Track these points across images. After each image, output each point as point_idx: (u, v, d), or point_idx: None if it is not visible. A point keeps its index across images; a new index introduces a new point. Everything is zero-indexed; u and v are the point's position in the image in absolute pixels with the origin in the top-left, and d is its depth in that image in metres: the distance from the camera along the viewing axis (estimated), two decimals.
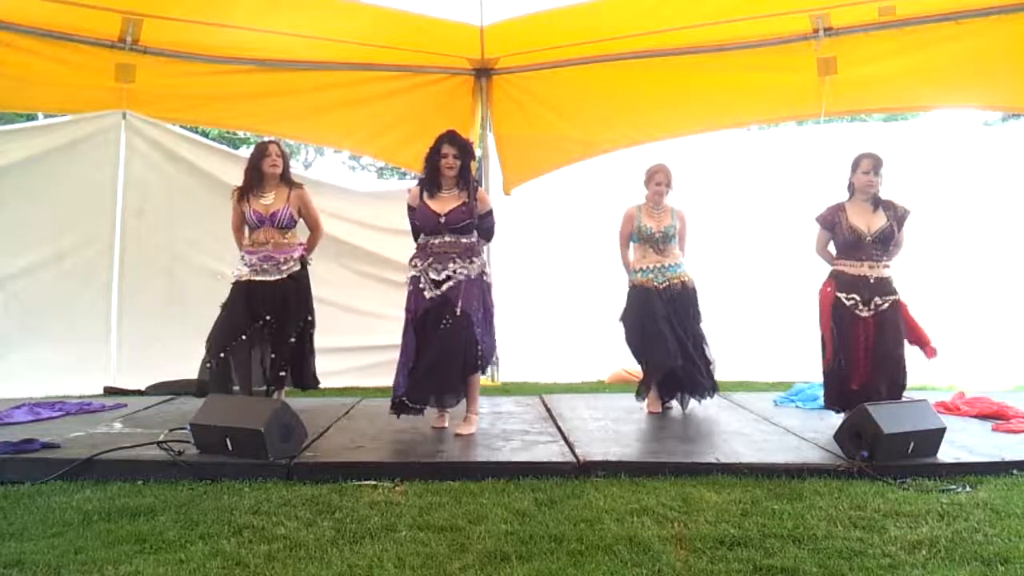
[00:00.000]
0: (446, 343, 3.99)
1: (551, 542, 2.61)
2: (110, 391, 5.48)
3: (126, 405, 4.84)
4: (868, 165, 4.12)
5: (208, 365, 4.43)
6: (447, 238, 4.07)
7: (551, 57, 5.90)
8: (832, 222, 4.20)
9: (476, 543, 2.60)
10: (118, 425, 4.21)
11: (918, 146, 6.05)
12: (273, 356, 4.54)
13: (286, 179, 4.58)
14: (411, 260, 4.17)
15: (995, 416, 4.38)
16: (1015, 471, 3.40)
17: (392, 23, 5.40)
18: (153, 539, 2.64)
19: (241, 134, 11.37)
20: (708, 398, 4.71)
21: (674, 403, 4.77)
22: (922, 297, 5.60)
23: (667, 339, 4.53)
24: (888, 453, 3.41)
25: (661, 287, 4.64)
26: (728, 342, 5.56)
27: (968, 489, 3.18)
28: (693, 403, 4.76)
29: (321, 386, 5.74)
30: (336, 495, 3.11)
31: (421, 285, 4.08)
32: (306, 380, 4.68)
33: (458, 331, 3.98)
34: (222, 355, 4.39)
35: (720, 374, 5.25)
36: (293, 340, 4.54)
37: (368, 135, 6.28)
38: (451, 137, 4.11)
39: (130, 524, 2.78)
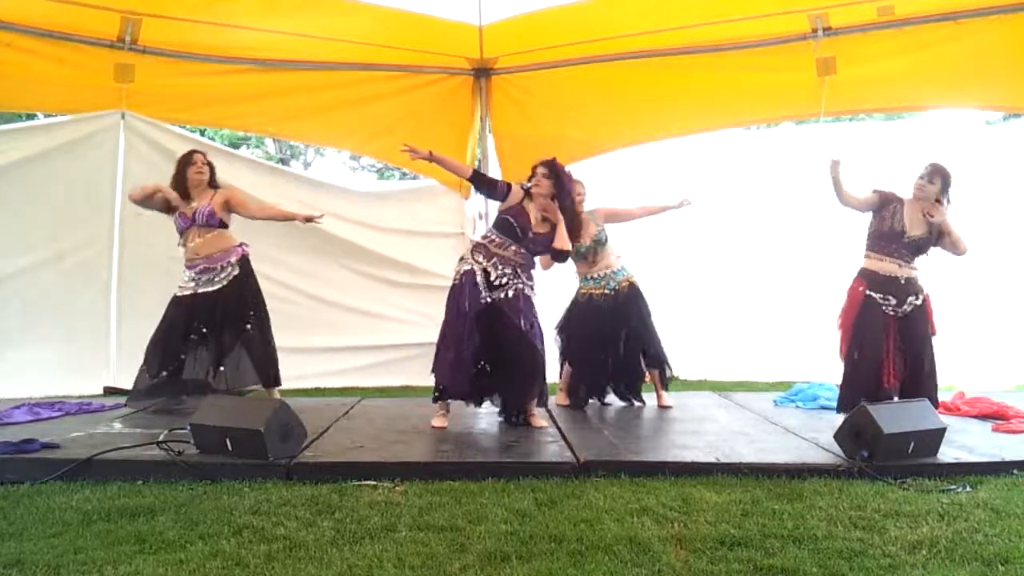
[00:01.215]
0: (517, 359, 4.06)
1: (551, 542, 2.60)
2: (110, 391, 5.46)
3: (126, 405, 4.83)
4: (924, 171, 4.26)
5: (150, 380, 4.51)
6: (522, 250, 4.13)
7: (550, 57, 5.90)
8: (886, 202, 4.26)
9: (476, 543, 2.60)
10: (118, 425, 4.20)
11: (919, 145, 6.04)
12: (222, 368, 4.53)
13: (212, 184, 4.66)
14: (472, 253, 4.17)
15: (995, 416, 4.38)
16: (1015, 471, 3.40)
17: (391, 22, 5.40)
18: (153, 539, 2.63)
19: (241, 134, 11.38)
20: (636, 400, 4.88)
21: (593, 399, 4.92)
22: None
23: (591, 362, 4.74)
24: (888, 453, 3.40)
25: (609, 293, 4.74)
26: (728, 342, 5.56)
27: (968, 489, 3.18)
28: (690, 399, 4.83)
29: (321, 386, 5.77)
30: (336, 495, 3.10)
31: (477, 280, 4.07)
32: (266, 380, 4.67)
33: (530, 350, 4.07)
34: (164, 374, 4.46)
35: (720, 374, 5.26)
36: (239, 342, 4.54)
37: (368, 135, 6.28)
38: (546, 160, 4.19)
39: (130, 524, 2.77)
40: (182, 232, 4.61)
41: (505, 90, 6.18)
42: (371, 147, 6.71)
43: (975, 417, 4.44)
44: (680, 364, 5.07)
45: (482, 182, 4.35)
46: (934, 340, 4.29)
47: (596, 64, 5.90)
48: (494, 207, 6.54)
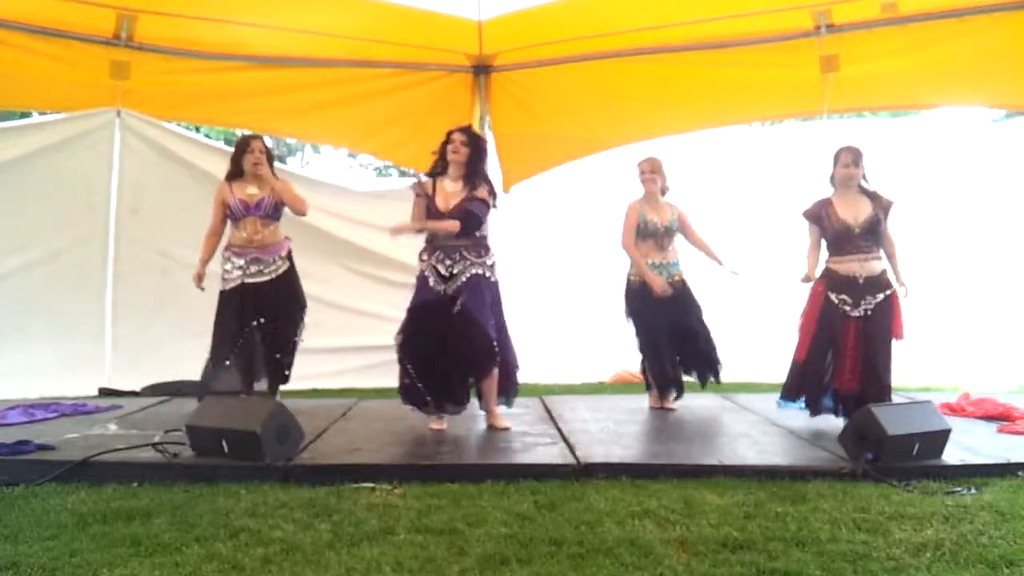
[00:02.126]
0: (454, 348, 3.96)
1: (551, 545, 2.58)
2: (105, 392, 5.44)
3: (121, 406, 4.80)
4: (847, 158, 4.21)
5: (211, 373, 4.46)
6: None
7: (551, 53, 5.86)
8: (819, 215, 4.25)
9: (475, 546, 2.58)
10: (113, 427, 4.17)
11: (924, 142, 6.02)
12: (278, 356, 4.53)
13: (269, 174, 4.60)
14: (420, 254, 4.14)
15: (1001, 417, 4.35)
16: (1021, 473, 3.37)
17: (389, 17, 5.37)
18: (148, 542, 2.61)
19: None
20: (711, 380, 4.83)
21: (677, 403, 4.82)
22: (927, 296, 5.57)
23: (665, 352, 4.69)
24: (893, 455, 3.37)
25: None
26: (732, 343, 5.53)
27: (973, 491, 3.15)
28: (693, 401, 4.77)
29: (318, 387, 5.74)
30: (333, 498, 3.07)
31: (431, 282, 4.04)
32: (284, 378, 4.67)
33: (469, 337, 3.95)
34: (227, 363, 4.43)
35: (723, 375, 5.21)
36: (297, 339, 4.56)
37: (366, 133, 6.25)
38: (462, 127, 4.14)
39: (125, 527, 2.75)
40: (239, 218, 4.53)
41: (505, 87, 6.15)
42: (369, 145, 6.68)
43: (980, 418, 4.40)
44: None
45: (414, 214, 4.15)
46: (902, 343, 4.19)
47: (597, 61, 5.86)
48: None
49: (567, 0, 5.16)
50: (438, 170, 4.13)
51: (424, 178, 4.21)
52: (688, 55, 5.70)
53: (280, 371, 4.59)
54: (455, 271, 4.01)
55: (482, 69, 6.09)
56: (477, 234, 4.10)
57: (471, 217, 4.04)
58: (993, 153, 5.97)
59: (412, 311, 4.07)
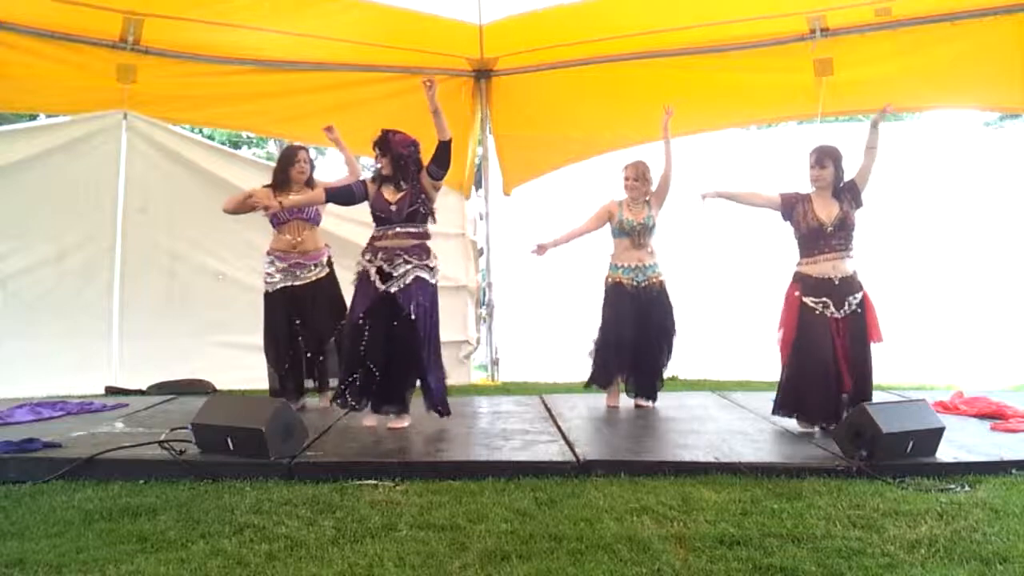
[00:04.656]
0: (397, 350, 4.00)
1: (551, 541, 2.61)
2: (111, 391, 5.49)
3: (127, 405, 4.84)
4: (811, 159, 4.16)
5: (279, 375, 4.58)
6: (397, 229, 4.08)
7: (550, 58, 5.92)
8: (793, 206, 4.16)
9: (476, 542, 2.60)
10: (119, 425, 4.21)
11: (918, 145, 6.06)
12: (321, 359, 4.62)
13: (309, 184, 4.70)
14: (362, 256, 4.16)
15: (994, 415, 4.37)
16: (1014, 470, 3.40)
17: (392, 21, 5.43)
18: (154, 538, 2.64)
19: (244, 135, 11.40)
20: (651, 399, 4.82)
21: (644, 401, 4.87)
22: (922, 296, 5.62)
23: (616, 352, 4.73)
24: (887, 452, 3.40)
25: (639, 286, 4.73)
26: (728, 342, 5.58)
27: (967, 488, 3.18)
28: (689, 399, 4.82)
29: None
30: (337, 494, 3.11)
31: (372, 278, 4.05)
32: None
33: (412, 339, 3.99)
34: (287, 366, 4.54)
35: (719, 373, 5.26)
36: (330, 342, 4.63)
37: (369, 136, 6.26)
38: (377, 140, 4.19)
39: (131, 523, 2.78)
40: (282, 222, 4.62)
41: (506, 91, 6.20)
42: (371, 148, 6.70)
43: (974, 416, 4.43)
44: (680, 364, 5.07)
45: (338, 197, 4.27)
46: (880, 346, 4.08)
47: (595, 65, 5.92)
48: (495, 208, 6.58)
49: (567, 5, 5.21)
50: (378, 178, 4.17)
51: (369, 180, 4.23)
52: (686, 59, 5.76)
53: (323, 374, 4.68)
54: (397, 272, 4.03)
55: (483, 73, 6.14)
56: (415, 231, 4.11)
57: (418, 215, 4.11)
58: (986, 155, 6.02)
59: (358, 313, 4.05)
